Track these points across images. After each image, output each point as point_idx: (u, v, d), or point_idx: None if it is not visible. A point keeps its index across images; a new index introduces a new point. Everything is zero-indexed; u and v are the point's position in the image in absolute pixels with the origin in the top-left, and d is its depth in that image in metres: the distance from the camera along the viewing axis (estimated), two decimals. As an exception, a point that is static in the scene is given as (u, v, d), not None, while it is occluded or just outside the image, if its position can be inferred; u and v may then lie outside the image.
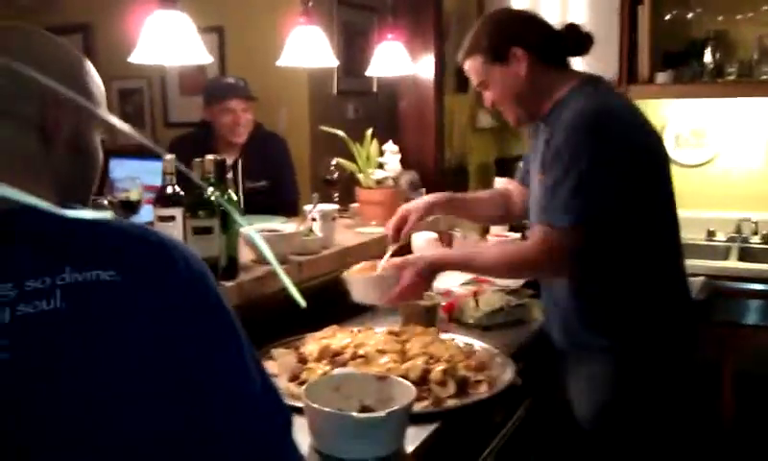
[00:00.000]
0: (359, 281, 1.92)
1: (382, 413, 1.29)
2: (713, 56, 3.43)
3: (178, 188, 1.79)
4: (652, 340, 1.81)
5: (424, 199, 2.21)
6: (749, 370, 3.00)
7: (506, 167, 3.57)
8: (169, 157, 1.89)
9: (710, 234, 3.51)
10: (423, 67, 3.19)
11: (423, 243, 2.53)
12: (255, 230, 2.00)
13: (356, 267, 1.98)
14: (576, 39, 1.89)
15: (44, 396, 0.81)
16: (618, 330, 1.80)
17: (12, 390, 0.81)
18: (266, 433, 0.92)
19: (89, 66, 1.04)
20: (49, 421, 0.81)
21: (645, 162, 1.76)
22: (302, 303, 0.71)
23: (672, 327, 1.85)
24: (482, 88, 1.93)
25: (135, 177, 1.95)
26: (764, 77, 3.35)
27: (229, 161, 3.07)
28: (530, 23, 1.91)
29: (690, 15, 3.50)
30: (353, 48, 4.12)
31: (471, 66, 1.91)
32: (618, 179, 1.69)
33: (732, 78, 3.41)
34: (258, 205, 2.85)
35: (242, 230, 1.84)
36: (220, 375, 0.90)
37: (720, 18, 3.45)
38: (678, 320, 1.87)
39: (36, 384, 0.81)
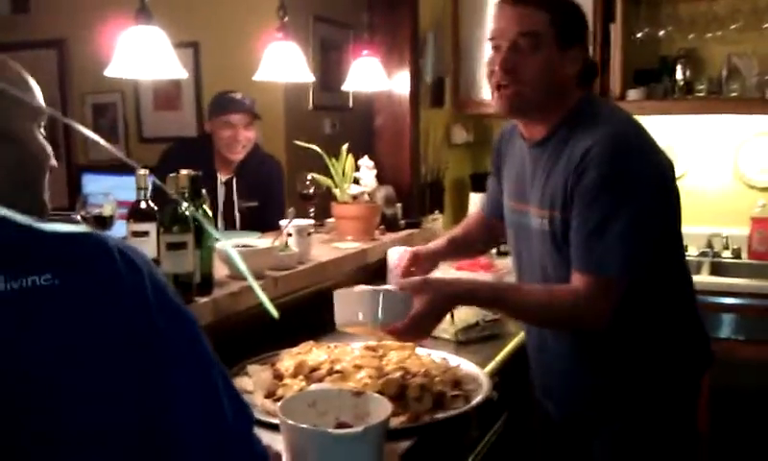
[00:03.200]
0: (350, 297, 1.61)
1: (359, 429, 1.28)
2: (684, 73, 3.49)
3: (152, 203, 1.78)
4: (678, 400, 1.71)
5: (430, 247, 2.06)
6: (723, 383, 3.03)
7: (481, 182, 3.59)
8: (142, 171, 1.88)
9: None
10: (399, 83, 3.20)
11: (398, 258, 2.52)
12: (230, 245, 1.99)
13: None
14: (592, 72, 1.75)
15: None
16: (640, 387, 1.68)
17: None
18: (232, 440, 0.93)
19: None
20: None
21: (674, 196, 1.64)
22: (275, 314, 0.71)
23: (692, 375, 1.76)
24: (522, 42, 1.59)
25: (108, 192, 1.93)
26: (733, 94, 3.41)
27: (224, 179, 3.09)
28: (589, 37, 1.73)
29: (661, 34, 3.55)
30: (329, 63, 4.13)
31: (530, 14, 1.59)
32: (662, 220, 1.59)
33: (702, 95, 3.47)
34: (247, 224, 2.86)
35: (217, 244, 1.83)
36: (179, 392, 0.90)
37: (690, 37, 3.51)
38: (698, 364, 1.77)
39: None
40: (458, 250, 2.14)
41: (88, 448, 0.83)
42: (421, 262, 1.96)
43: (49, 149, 1.02)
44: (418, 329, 1.56)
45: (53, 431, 0.81)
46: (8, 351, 0.82)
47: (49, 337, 0.83)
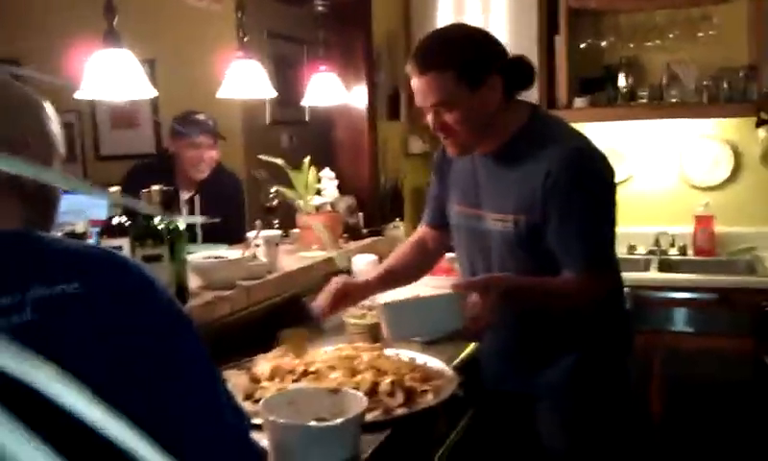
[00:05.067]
0: (405, 309, 1.69)
1: (337, 421, 1.36)
2: (626, 81, 3.65)
3: (124, 219, 1.83)
4: (607, 359, 1.91)
5: (361, 280, 2.09)
6: (674, 373, 3.19)
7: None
8: (114, 188, 1.93)
9: (632, 248, 3.71)
10: (356, 96, 3.29)
11: (365, 266, 2.61)
12: (202, 257, 2.05)
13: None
14: (525, 73, 1.81)
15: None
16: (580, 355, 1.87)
17: None
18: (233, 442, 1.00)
19: (47, 105, 1.10)
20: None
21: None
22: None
23: (619, 339, 1.96)
24: (440, 108, 1.73)
25: (81, 210, 1.98)
26: (673, 100, 3.58)
27: (186, 196, 3.13)
28: (503, 50, 1.78)
29: (604, 44, 3.72)
30: (284, 79, 4.19)
31: (436, 82, 1.69)
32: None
33: (644, 101, 3.63)
34: (209, 239, 2.92)
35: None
36: (186, 401, 0.97)
37: (631, 46, 3.68)
38: (624, 331, 1.98)
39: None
40: (392, 282, 2.10)
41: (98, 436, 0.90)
42: (350, 296, 1.98)
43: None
44: (482, 327, 1.68)
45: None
46: (39, 352, 0.88)
47: (68, 332, 0.90)
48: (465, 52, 1.71)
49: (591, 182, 1.74)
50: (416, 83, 1.74)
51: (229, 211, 3.15)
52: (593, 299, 1.78)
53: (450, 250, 2.13)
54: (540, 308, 1.84)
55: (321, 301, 1.93)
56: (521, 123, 1.80)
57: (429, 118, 1.78)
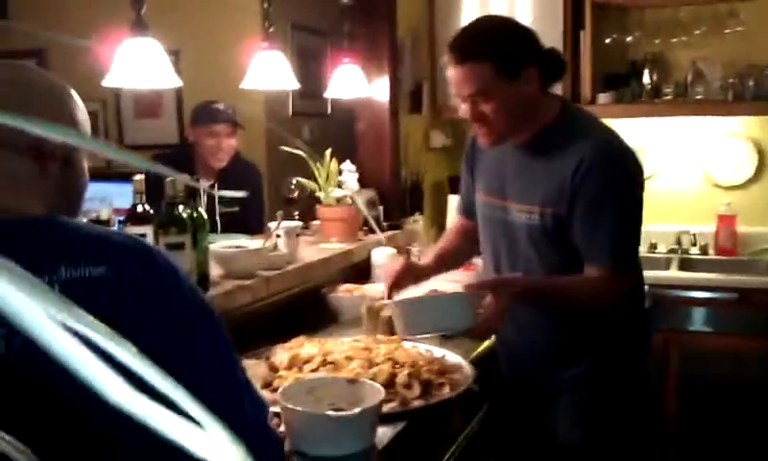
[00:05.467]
0: (424, 306, 1.73)
1: (355, 411, 1.37)
2: (651, 77, 3.63)
3: (148, 207, 1.85)
4: (626, 358, 1.92)
5: (421, 263, 2.13)
6: (692, 372, 3.17)
7: (459, 184, 3.69)
8: (138, 176, 1.96)
9: (652, 247, 3.69)
10: (379, 90, 3.29)
11: (384, 258, 2.62)
12: (222, 246, 2.08)
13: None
14: (557, 65, 1.83)
15: (51, 384, 0.89)
16: (597, 354, 1.88)
17: (22, 378, 0.89)
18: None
19: (74, 93, 1.12)
20: (49, 409, 0.88)
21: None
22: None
23: (638, 338, 1.96)
24: (477, 98, 1.73)
25: (104, 197, 2.01)
26: (698, 97, 3.54)
27: (206, 185, 3.17)
28: (538, 41, 1.79)
29: (629, 39, 3.70)
30: (307, 71, 4.22)
31: (474, 72, 1.70)
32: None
33: (668, 98, 3.60)
34: (228, 228, 2.96)
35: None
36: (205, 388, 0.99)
37: (657, 42, 3.65)
38: (642, 331, 1.99)
39: (43, 373, 0.89)
40: (446, 265, 2.17)
41: (120, 416, 0.91)
42: (411, 276, 2.00)
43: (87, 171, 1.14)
44: (493, 327, 1.74)
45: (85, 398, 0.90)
46: None
47: (94, 315, 0.92)
48: (502, 43, 1.74)
49: (621, 178, 1.75)
50: (453, 73, 1.75)
51: (248, 203, 3.18)
52: (618, 296, 1.78)
53: None
54: (559, 308, 1.85)
55: (385, 280, 1.98)
56: (553, 115, 1.81)
57: (465, 108, 1.79)
